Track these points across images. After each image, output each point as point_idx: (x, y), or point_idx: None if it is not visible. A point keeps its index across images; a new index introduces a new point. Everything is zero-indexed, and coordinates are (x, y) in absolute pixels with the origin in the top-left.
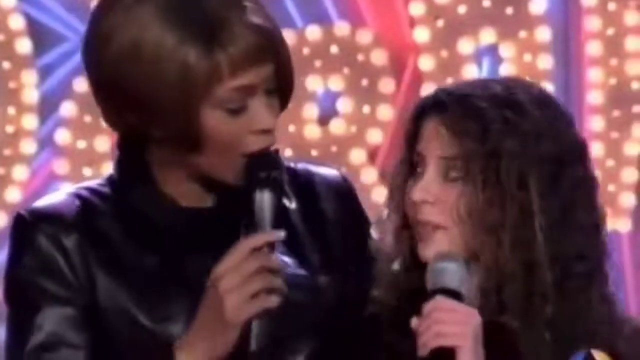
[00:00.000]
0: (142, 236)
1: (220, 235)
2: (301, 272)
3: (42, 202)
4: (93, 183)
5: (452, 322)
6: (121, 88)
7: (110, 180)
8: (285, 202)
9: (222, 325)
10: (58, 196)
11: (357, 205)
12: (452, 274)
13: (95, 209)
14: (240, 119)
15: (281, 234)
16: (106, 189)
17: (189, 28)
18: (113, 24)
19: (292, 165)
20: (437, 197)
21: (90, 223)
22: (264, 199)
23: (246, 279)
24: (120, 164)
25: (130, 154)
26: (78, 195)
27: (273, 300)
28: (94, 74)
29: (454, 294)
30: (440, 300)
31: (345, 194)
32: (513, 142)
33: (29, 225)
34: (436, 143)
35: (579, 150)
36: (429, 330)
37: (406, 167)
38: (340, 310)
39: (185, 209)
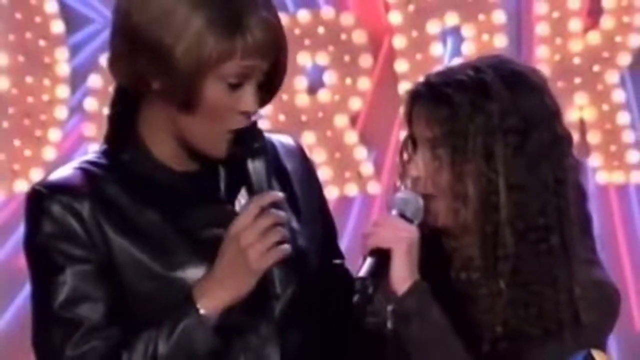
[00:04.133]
0: (142, 196)
1: (210, 192)
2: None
3: (53, 176)
4: (90, 157)
5: (391, 230)
6: (143, 39)
7: (104, 153)
8: None
9: (246, 273)
10: (66, 170)
11: (309, 164)
12: (410, 205)
13: (99, 178)
14: (234, 96)
15: (281, 194)
16: (103, 160)
17: (216, 12)
18: None
19: None
20: (426, 172)
21: (97, 190)
22: (260, 165)
23: (263, 233)
24: (111, 128)
25: (122, 113)
26: (82, 168)
27: (287, 249)
28: (122, 23)
29: (406, 219)
30: (389, 214)
31: (299, 154)
32: (478, 122)
33: (45, 196)
34: (420, 127)
35: (548, 116)
36: (371, 234)
37: (409, 144)
38: (309, 257)
39: (176, 172)
